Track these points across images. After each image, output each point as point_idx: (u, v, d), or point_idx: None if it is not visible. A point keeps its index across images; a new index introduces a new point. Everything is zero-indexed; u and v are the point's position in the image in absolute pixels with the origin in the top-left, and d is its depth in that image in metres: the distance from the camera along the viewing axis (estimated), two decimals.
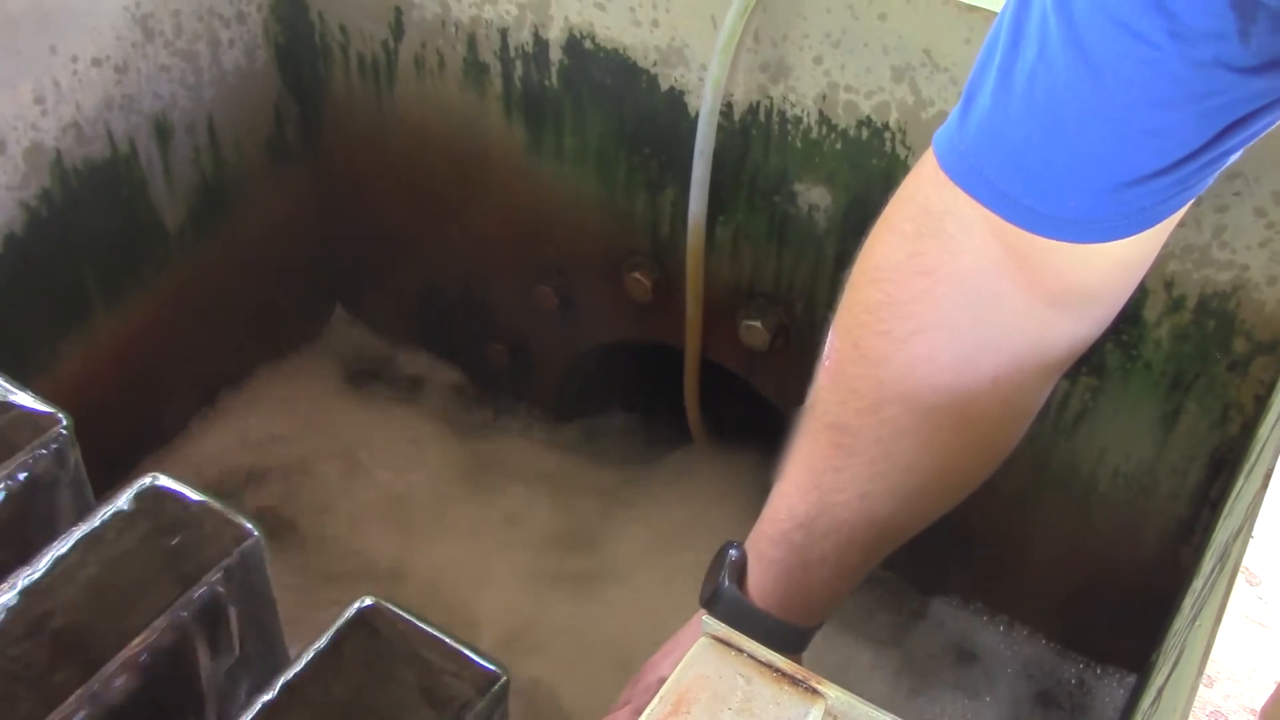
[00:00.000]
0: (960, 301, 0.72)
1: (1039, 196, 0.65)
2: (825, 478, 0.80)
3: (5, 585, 0.56)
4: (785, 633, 0.83)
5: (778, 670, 0.51)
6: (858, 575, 0.85)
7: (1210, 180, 0.64)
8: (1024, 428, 0.80)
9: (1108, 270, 0.70)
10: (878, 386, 0.76)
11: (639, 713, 0.83)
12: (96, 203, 1.20)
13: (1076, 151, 0.62)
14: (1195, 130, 0.60)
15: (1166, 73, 0.57)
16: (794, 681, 0.51)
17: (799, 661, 0.85)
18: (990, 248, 0.69)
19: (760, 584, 0.83)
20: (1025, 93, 0.63)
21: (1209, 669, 0.58)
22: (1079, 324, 0.74)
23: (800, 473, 0.81)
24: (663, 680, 0.82)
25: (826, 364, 0.79)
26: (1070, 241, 0.66)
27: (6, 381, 0.64)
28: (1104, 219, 0.64)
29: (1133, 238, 0.66)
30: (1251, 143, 0.62)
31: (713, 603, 0.84)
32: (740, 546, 0.86)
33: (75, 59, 1.13)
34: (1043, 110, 0.62)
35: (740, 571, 0.84)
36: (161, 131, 1.24)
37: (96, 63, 1.15)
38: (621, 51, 1.12)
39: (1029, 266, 0.69)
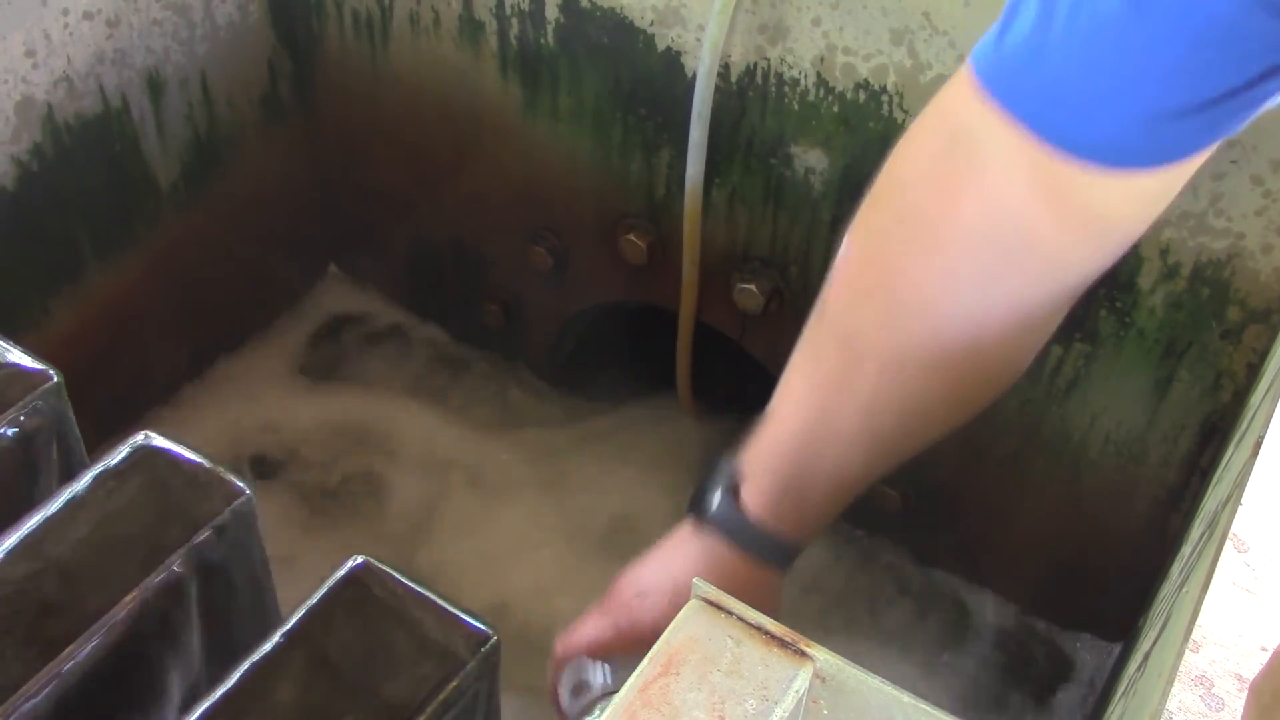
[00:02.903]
0: (984, 221, 0.72)
1: (1073, 121, 0.66)
2: (829, 390, 0.79)
3: None
4: (776, 547, 0.84)
5: (767, 633, 0.52)
6: (853, 491, 0.85)
7: (1243, 124, 0.65)
8: (1032, 355, 0.81)
9: (1131, 201, 0.71)
10: (892, 298, 0.76)
11: (615, 628, 0.83)
12: (88, 158, 1.19)
13: (1114, 81, 0.63)
14: (1232, 71, 0.61)
15: (1208, 10, 0.58)
16: (783, 644, 0.51)
17: (783, 583, 0.85)
18: (1019, 170, 0.69)
19: (755, 496, 0.83)
20: (1068, 20, 0.63)
21: (1195, 634, 0.59)
22: (1096, 252, 0.75)
23: (803, 384, 0.81)
24: (643, 596, 0.83)
25: (840, 272, 0.78)
26: (1101, 164, 0.67)
27: None
28: (1136, 148, 0.65)
29: (1159, 172, 0.67)
30: None
31: (705, 510, 0.84)
32: (735, 459, 0.85)
33: (66, 11, 1.12)
34: (1083, 40, 0.63)
35: (734, 482, 0.84)
36: (154, 86, 1.23)
37: (88, 15, 1.14)
38: (619, 10, 1.11)
39: (1056, 191, 0.69)
